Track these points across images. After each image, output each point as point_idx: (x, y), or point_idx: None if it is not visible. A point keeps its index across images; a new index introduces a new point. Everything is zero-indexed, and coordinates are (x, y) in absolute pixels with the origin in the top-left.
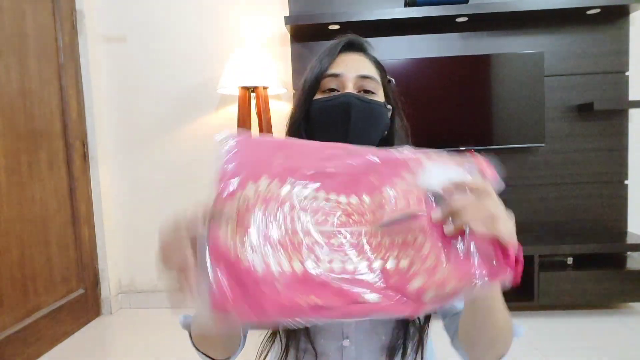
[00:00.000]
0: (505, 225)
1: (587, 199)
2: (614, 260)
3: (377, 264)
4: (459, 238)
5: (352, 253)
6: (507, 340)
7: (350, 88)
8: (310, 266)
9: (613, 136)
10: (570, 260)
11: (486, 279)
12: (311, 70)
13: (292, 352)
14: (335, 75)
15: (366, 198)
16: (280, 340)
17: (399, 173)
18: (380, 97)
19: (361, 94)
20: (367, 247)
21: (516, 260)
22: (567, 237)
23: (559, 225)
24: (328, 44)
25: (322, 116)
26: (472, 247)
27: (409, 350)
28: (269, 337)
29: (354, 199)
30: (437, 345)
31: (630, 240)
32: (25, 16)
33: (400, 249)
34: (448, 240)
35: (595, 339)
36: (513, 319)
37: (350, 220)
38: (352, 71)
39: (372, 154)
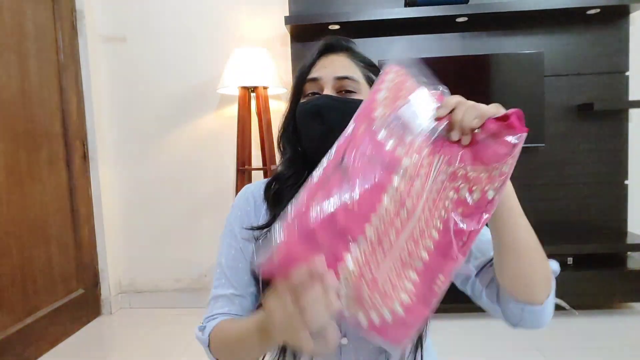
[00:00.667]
0: (491, 107)
1: (587, 199)
2: (614, 260)
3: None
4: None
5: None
6: (547, 271)
7: (329, 90)
8: None
9: (613, 136)
10: (570, 260)
11: (514, 140)
12: (295, 78)
13: (289, 350)
14: (314, 80)
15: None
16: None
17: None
18: (363, 95)
19: (341, 94)
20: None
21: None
22: (567, 237)
23: (559, 225)
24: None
25: (302, 120)
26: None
27: (407, 351)
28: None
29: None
30: (436, 345)
31: (630, 240)
32: (25, 16)
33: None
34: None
35: (595, 339)
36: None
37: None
38: (330, 73)
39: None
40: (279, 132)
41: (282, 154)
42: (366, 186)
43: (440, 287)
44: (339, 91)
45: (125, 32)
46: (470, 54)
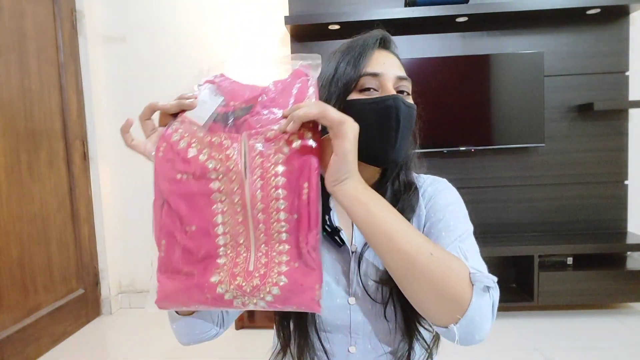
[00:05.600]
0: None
1: (587, 199)
2: (614, 260)
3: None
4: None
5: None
6: (445, 298)
7: (390, 89)
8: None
9: (613, 136)
10: (570, 260)
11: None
12: (342, 67)
13: (289, 350)
14: (374, 75)
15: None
16: (292, 353)
17: None
18: (411, 99)
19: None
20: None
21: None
22: (567, 237)
23: (559, 225)
24: (329, 43)
25: (365, 118)
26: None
27: None
28: (279, 351)
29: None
30: None
31: (630, 240)
32: (25, 16)
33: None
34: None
35: (595, 339)
36: (482, 272)
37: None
38: (391, 71)
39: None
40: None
41: None
42: (194, 209)
43: (312, 244)
44: (396, 91)
45: (125, 32)
46: (470, 54)
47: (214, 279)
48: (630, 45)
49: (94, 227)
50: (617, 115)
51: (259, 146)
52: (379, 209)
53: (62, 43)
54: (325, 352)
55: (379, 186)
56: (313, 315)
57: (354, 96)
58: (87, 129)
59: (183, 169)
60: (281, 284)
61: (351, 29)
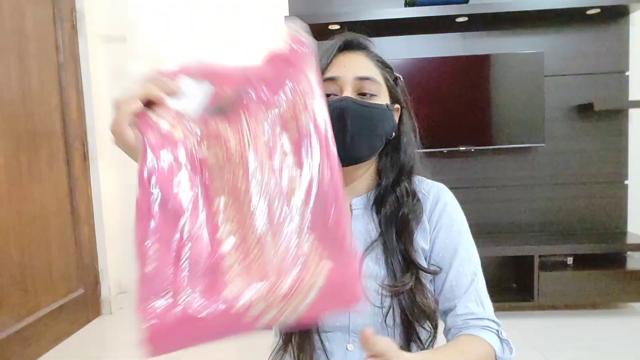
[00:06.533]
0: None
1: (587, 199)
2: (614, 260)
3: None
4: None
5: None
6: None
7: (348, 91)
8: None
9: (613, 136)
10: (570, 260)
11: None
12: None
13: (289, 348)
14: (333, 79)
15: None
16: (293, 350)
17: None
18: (382, 98)
19: (360, 97)
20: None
21: None
22: (567, 237)
23: (559, 225)
24: (329, 43)
25: None
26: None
27: None
28: (281, 347)
29: None
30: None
31: (630, 240)
32: (25, 16)
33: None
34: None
35: (595, 339)
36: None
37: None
38: (350, 73)
39: None
40: None
41: None
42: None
43: (338, 220)
44: (358, 92)
45: (125, 32)
46: (470, 54)
47: (227, 292)
48: (630, 45)
49: (94, 228)
50: (617, 115)
51: (261, 128)
52: None
53: (62, 43)
54: (325, 351)
55: (378, 193)
56: None
57: None
58: (87, 129)
59: (178, 157)
60: (321, 277)
61: (351, 29)
